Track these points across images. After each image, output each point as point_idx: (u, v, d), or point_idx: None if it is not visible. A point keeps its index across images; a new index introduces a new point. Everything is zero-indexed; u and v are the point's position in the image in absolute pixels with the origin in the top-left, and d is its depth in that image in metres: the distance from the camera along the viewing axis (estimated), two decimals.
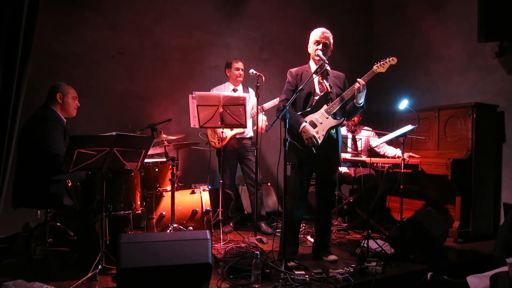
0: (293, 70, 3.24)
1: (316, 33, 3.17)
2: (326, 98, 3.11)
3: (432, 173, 3.93)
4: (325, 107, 3.10)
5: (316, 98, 3.13)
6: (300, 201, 3.19)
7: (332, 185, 3.29)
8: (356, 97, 3.06)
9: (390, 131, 4.07)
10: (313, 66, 3.20)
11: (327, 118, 3.07)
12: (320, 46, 3.11)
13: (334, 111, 3.07)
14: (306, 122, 3.02)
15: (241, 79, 4.17)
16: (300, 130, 2.99)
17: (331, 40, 3.18)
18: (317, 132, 3.04)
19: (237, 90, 4.18)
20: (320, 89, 3.16)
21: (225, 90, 4.15)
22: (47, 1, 3.78)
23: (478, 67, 4.39)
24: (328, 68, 3.13)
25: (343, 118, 3.14)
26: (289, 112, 2.97)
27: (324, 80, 3.16)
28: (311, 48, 3.19)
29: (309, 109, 3.11)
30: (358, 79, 3.03)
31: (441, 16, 4.79)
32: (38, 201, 2.99)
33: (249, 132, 4.16)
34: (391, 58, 3.07)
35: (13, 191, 3.02)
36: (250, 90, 4.22)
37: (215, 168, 4.15)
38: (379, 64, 3.09)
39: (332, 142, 3.13)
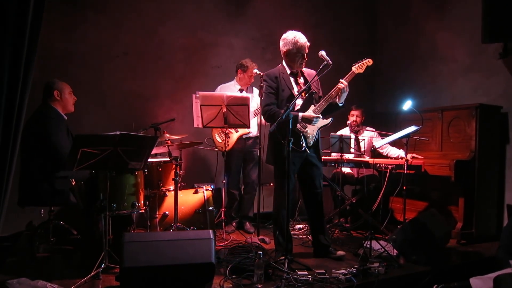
0: (269, 73, 3.25)
1: (302, 45, 3.15)
2: (311, 98, 3.18)
3: (435, 174, 3.92)
4: (312, 107, 3.16)
5: (298, 99, 3.15)
6: (288, 199, 3.18)
7: (320, 185, 3.32)
8: (339, 97, 3.14)
9: (394, 132, 4.06)
10: (287, 68, 3.24)
11: (318, 117, 3.14)
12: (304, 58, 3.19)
13: (321, 111, 3.14)
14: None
15: (249, 84, 4.19)
16: (300, 120, 3.08)
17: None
18: (308, 133, 3.15)
19: (243, 90, 4.19)
20: (298, 90, 3.20)
21: (232, 89, 4.17)
22: (52, 1, 3.80)
23: (482, 68, 4.38)
24: (304, 68, 3.25)
25: (331, 118, 3.22)
26: (278, 112, 3.02)
27: (300, 80, 3.25)
28: (294, 55, 3.17)
29: (297, 108, 3.17)
30: (341, 80, 3.11)
31: (445, 17, 4.78)
32: (45, 198, 3.01)
33: (254, 132, 4.16)
34: (367, 60, 3.18)
35: (19, 190, 3.04)
36: (254, 89, 4.23)
37: (220, 168, 4.16)
38: (357, 65, 3.19)
39: (316, 141, 3.26)
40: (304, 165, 3.25)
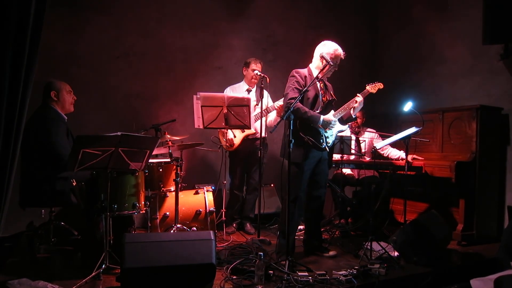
0: (299, 70, 3.30)
1: (339, 55, 3.27)
2: (331, 104, 3.32)
3: (436, 175, 3.92)
4: (332, 112, 3.29)
5: (322, 101, 3.29)
6: (301, 199, 3.25)
7: (326, 185, 3.47)
8: (354, 109, 3.33)
9: (394, 133, 4.06)
10: (314, 71, 3.31)
11: (335, 122, 3.31)
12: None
13: (339, 117, 3.32)
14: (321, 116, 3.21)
15: (255, 81, 4.16)
16: (321, 122, 3.17)
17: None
18: (328, 134, 3.27)
19: (251, 90, 4.19)
20: (322, 93, 3.33)
21: (240, 89, 4.17)
22: (53, 2, 3.80)
23: (483, 69, 4.38)
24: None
25: (347, 124, 3.45)
26: (302, 108, 3.13)
27: (324, 87, 3.38)
28: (326, 59, 3.22)
29: (318, 111, 3.26)
30: (358, 94, 3.34)
31: (446, 18, 4.78)
32: (45, 199, 3.01)
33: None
34: (379, 83, 3.49)
35: (20, 191, 3.04)
36: (265, 92, 4.21)
37: (223, 169, 4.16)
38: (371, 85, 3.48)
39: (332, 145, 3.41)
40: (316, 166, 3.30)
